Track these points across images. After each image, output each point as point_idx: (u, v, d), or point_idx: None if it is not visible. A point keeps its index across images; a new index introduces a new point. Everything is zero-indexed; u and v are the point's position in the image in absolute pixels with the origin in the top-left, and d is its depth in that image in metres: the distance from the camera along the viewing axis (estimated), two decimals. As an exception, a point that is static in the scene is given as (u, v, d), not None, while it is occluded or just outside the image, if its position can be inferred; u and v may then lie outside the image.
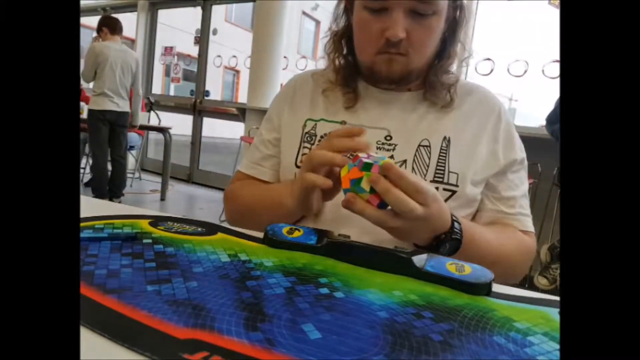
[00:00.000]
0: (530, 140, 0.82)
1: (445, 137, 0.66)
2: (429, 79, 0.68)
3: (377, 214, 0.49)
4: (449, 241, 0.54)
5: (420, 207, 0.48)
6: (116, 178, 3.25)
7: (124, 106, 3.11)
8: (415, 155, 0.65)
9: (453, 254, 0.55)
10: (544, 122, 2.07)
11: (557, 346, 0.32)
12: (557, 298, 0.42)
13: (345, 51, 0.72)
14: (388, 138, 0.67)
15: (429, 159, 0.65)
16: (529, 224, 0.69)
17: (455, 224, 0.55)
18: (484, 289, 0.42)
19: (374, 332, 0.32)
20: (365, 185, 0.48)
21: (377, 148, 0.66)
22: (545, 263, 2.22)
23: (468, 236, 0.56)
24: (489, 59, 2.98)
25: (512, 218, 0.68)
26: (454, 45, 0.68)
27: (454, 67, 0.70)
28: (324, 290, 0.39)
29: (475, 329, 0.34)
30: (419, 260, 0.45)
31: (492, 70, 2.97)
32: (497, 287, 0.44)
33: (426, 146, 0.66)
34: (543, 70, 2.82)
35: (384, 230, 0.52)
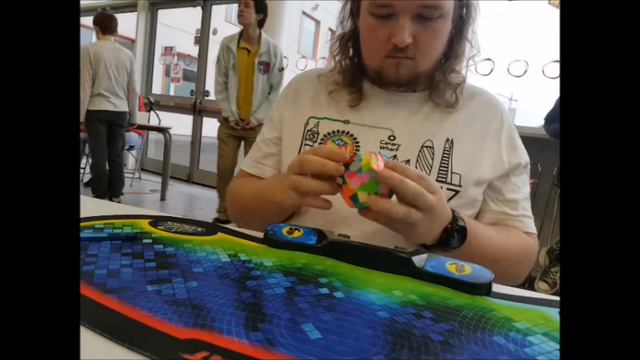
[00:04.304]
0: (530, 140, 0.82)
1: (448, 139, 0.66)
2: (436, 79, 0.68)
3: (404, 209, 0.48)
4: (456, 231, 0.55)
5: (430, 194, 0.49)
6: (114, 177, 3.25)
7: (121, 106, 3.09)
8: (418, 155, 0.65)
9: (462, 245, 0.56)
10: (543, 122, 2.07)
11: (557, 346, 0.32)
12: (557, 298, 0.42)
13: (351, 53, 0.72)
14: (392, 138, 0.67)
15: (432, 159, 0.65)
16: (531, 226, 0.70)
17: (455, 212, 0.56)
18: (483, 289, 0.42)
19: (374, 332, 0.32)
20: (363, 197, 0.49)
21: (381, 148, 0.67)
22: (545, 267, 2.22)
23: (470, 228, 0.57)
24: (489, 59, 2.97)
25: (515, 220, 0.68)
26: (460, 44, 0.67)
27: (461, 66, 0.70)
28: (324, 290, 0.39)
29: (475, 329, 0.34)
30: (419, 260, 0.45)
31: (492, 70, 2.97)
32: (497, 287, 0.44)
33: (429, 147, 0.66)
34: (543, 70, 2.82)
35: (402, 232, 0.53)
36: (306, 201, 0.53)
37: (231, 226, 0.59)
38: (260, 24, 2.67)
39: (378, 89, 0.71)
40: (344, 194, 0.50)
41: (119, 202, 3.30)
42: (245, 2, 2.58)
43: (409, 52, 0.62)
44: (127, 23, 5.17)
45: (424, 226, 0.51)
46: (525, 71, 2.96)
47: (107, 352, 0.28)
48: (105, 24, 3.03)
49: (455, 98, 0.68)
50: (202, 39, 4.77)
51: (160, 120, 4.55)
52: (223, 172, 2.87)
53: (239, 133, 2.83)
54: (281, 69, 2.78)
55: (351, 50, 0.72)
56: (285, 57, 2.95)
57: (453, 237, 0.54)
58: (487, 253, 0.60)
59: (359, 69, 0.72)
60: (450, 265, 0.45)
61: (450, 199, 0.64)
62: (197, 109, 4.76)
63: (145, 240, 0.49)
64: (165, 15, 5.52)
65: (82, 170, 3.87)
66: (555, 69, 2.79)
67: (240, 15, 2.62)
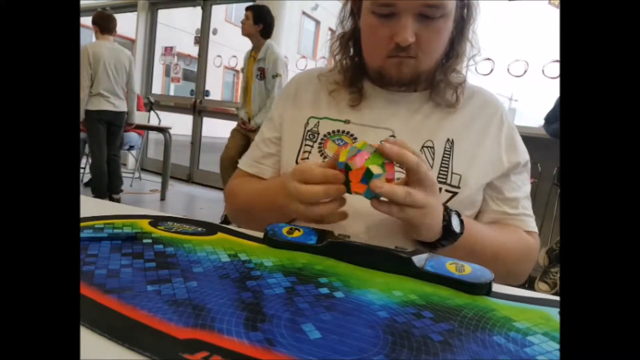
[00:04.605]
0: (530, 140, 0.82)
1: (448, 139, 0.66)
2: (436, 79, 0.68)
3: (404, 188, 0.48)
4: (452, 216, 0.55)
5: (430, 172, 0.50)
6: (112, 175, 3.27)
7: (120, 106, 3.09)
8: None
9: (463, 230, 0.56)
10: (543, 122, 2.07)
11: (557, 346, 0.32)
12: (557, 298, 0.42)
13: (352, 52, 0.72)
14: (392, 138, 0.67)
15: (433, 160, 0.65)
16: (532, 224, 0.70)
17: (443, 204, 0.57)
18: (483, 289, 0.42)
19: (374, 332, 0.32)
20: (375, 169, 0.47)
21: None
22: (544, 267, 2.22)
23: (465, 220, 0.58)
24: (489, 59, 2.97)
25: (515, 218, 0.68)
26: (461, 44, 0.67)
27: (462, 66, 0.70)
28: (324, 290, 0.39)
29: (475, 329, 0.34)
30: (419, 260, 0.45)
31: (492, 70, 2.97)
32: (497, 287, 0.44)
33: (430, 147, 0.66)
34: (543, 70, 2.82)
35: (413, 222, 0.53)
36: (325, 221, 0.54)
37: (231, 226, 0.59)
38: (264, 33, 2.78)
39: (379, 88, 0.71)
40: (353, 182, 0.48)
41: (119, 199, 3.31)
42: (246, 14, 2.74)
43: (411, 51, 0.62)
44: (127, 23, 5.17)
45: (431, 209, 0.51)
46: (525, 71, 2.96)
47: (107, 352, 0.28)
48: (104, 24, 3.02)
49: (455, 98, 0.68)
50: (202, 39, 4.77)
51: (160, 120, 4.55)
52: (223, 162, 3.00)
53: (245, 131, 2.99)
54: (275, 75, 2.83)
55: (352, 50, 0.72)
56: (285, 57, 2.96)
57: (451, 222, 0.55)
58: (486, 248, 0.60)
59: (360, 69, 0.71)
60: (450, 265, 0.45)
61: (449, 200, 0.64)
62: (197, 109, 4.76)
63: (145, 240, 0.49)
64: (165, 15, 5.52)
65: (82, 170, 3.88)
66: (555, 69, 2.79)
67: (242, 27, 2.80)
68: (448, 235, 0.55)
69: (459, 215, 0.57)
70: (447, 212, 0.55)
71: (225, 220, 2.92)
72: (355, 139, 0.68)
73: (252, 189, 0.73)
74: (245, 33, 2.79)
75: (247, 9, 2.76)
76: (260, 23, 2.74)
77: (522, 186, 0.70)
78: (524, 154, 0.70)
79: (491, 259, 0.60)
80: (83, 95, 2.91)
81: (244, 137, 3.00)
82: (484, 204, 0.69)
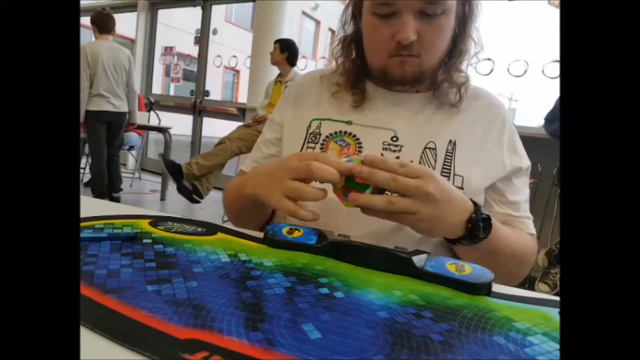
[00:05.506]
0: (530, 140, 0.82)
1: (451, 141, 0.66)
2: (440, 78, 0.68)
3: (383, 199, 0.48)
4: (481, 220, 0.53)
5: (410, 179, 0.48)
6: (112, 174, 3.28)
7: (120, 106, 3.08)
8: (421, 157, 0.65)
9: (488, 235, 0.55)
10: (543, 122, 2.07)
11: (557, 346, 0.32)
12: (557, 298, 0.42)
13: (354, 55, 0.72)
14: (394, 139, 0.67)
15: (435, 161, 0.65)
16: (531, 227, 0.71)
17: (477, 203, 0.55)
18: (483, 289, 0.42)
19: (374, 332, 0.32)
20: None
21: (384, 149, 0.66)
22: (544, 268, 2.22)
23: (494, 222, 0.56)
24: (489, 59, 2.97)
25: (518, 221, 0.69)
26: (464, 41, 0.67)
27: (465, 64, 0.70)
28: (324, 290, 0.39)
29: (475, 329, 0.34)
30: (419, 260, 0.45)
31: (492, 70, 2.97)
32: (497, 287, 0.44)
33: (432, 149, 0.66)
34: (543, 70, 2.82)
35: (413, 226, 0.52)
36: (300, 214, 0.50)
37: (231, 226, 0.59)
38: (290, 61, 3.08)
39: (382, 89, 0.71)
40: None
41: (119, 199, 3.31)
42: (274, 46, 3.10)
43: (413, 49, 0.62)
44: (127, 23, 5.18)
45: (427, 214, 0.49)
46: (525, 71, 2.97)
47: (107, 352, 0.28)
48: (103, 24, 2.99)
49: (459, 98, 0.68)
50: (202, 39, 4.77)
51: (160, 120, 4.54)
52: (221, 142, 3.12)
53: (255, 125, 3.16)
54: None
55: (354, 52, 0.72)
56: (285, 57, 3.05)
57: (478, 227, 0.53)
58: (505, 248, 0.61)
59: (362, 71, 0.71)
60: (450, 265, 0.45)
61: None
62: (197, 109, 4.76)
63: (145, 240, 0.49)
64: (165, 15, 5.52)
65: (82, 170, 3.87)
66: (555, 69, 2.79)
67: (270, 57, 3.13)
68: (471, 237, 0.54)
69: (488, 219, 0.55)
70: (476, 214, 0.53)
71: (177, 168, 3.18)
72: (357, 139, 0.68)
73: (236, 188, 0.73)
74: (273, 61, 3.13)
75: (275, 42, 3.11)
76: (286, 51, 3.04)
77: (522, 189, 0.71)
78: (525, 159, 0.71)
79: (507, 257, 0.60)
80: (82, 96, 2.89)
81: (247, 127, 3.16)
82: (487, 206, 0.69)
